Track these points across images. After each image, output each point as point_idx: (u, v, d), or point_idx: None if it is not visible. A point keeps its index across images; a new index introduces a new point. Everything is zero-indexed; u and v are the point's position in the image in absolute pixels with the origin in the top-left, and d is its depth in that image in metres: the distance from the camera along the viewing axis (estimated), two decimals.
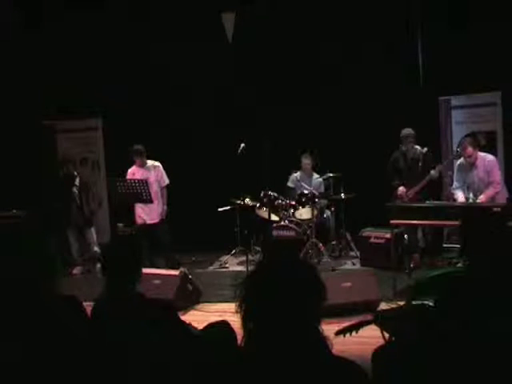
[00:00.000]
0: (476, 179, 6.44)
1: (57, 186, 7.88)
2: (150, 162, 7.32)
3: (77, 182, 7.76)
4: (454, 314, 2.26)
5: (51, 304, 2.51)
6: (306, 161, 7.84)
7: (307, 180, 7.87)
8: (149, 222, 7.21)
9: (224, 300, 5.80)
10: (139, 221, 7.29)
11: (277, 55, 8.25)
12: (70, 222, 7.73)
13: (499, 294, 2.26)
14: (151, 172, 7.27)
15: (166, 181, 7.36)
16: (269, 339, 1.66)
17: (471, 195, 6.49)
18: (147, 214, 7.21)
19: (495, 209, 5.40)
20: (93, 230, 7.90)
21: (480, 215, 2.64)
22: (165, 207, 7.32)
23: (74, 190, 7.72)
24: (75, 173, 7.83)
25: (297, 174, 7.94)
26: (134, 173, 7.26)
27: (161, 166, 7.36)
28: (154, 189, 7.04)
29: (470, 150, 6.39)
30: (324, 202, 7.78)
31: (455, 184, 6.64)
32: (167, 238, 7.27)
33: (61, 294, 2.66)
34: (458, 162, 6.62)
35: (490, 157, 6.53)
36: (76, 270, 7.71)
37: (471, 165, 6.44)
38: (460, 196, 6.49)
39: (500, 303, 2.23)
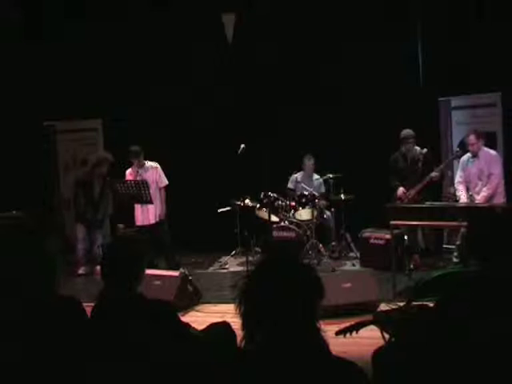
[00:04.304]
0: (475, 170, 6.48)
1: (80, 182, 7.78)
2: (148, 163, 7.31)
3: (100, 183, 7.66)
4: (454, 315, 2.26)
5: (51, 304, 2.51)
6: (310, 162, 7.83)
7: (307, 181, 7.87)
8: (145, 223, 7.19)
9: (224, 301, 5.79)
10: (137, 222, 7.29)
11: (277, 55, 8.25)
12: (84, 220, 7.69)
13: (501, 295, 2.26)
14: (149, 173, 7.26)
15: (165, 182, 7.34)
16: (268, 340, 1.66)
17: (462, 191, 6.55)
18: (143, 215, 7.18)
19: (496, 209, 5.39)
20: (101, 232, 7.82)
21: (487, 216, 2.63)
22: (163, 208, 7.31)
23: (97, 191, 7.66)
24: (103, 173, 7.63)
25: (297, 175, 7.94)
26: (131, 173, 7.25)
27: (159, 166, 7.34)
28: (152, 190, 7.03)
29: (472, 137, 6.45)
30: (324, 202, 7.78)
31: (457, 178, 6.68)
32: (166, 239, 7.25)
33: (61, 294, 2.66)
34: (464, 157, 6.66)
35: (493, 152, 6.61)
36: (81, 270, 7.58)
37: (473, 156, 6.48)
38: (462, 194, 6.51)
39: (502, 304, 2.23)
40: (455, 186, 6.73)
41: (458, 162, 6.89)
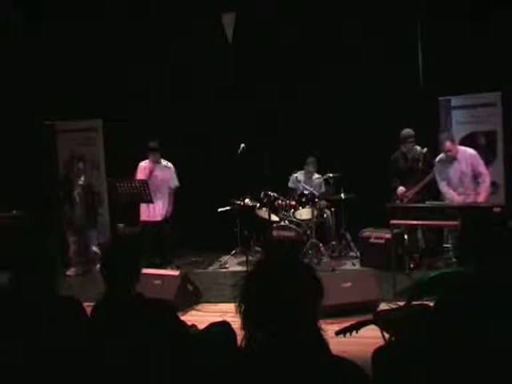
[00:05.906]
0: (458, 173, 6.48)
1: (56, 186, 7.81)
2: (163, 162, 7.41)
3: (81, 180, 7.59)
4: (454, 315, 2.26)
5: (51, 304, 2.51)
6: (312, 166, 7.81)
7: (308, 180, 7.88)
8: (151, 219, 7.25)
9: (224, 300, 5.79)
10: (143, 217, 7.34)
11: (277, 55, 8.25)
12: (70, 223, 7.65)
13: (500, 295, 2.26)
14: (161, 171, 7.35)
15: (176, 183, 7.47)
16: (269, 339, 1.66)
17: (451, 191, 6.54)
18: (149, 211, 7.23)
19: (495, 209, 5.40)
20: (95, 232, 7.76)
21: (480, 216, 2.63)
22: (169, 208, 7.39)
23: (78, 190, 7.59)
24: (80, 170, 7.60)
25: (297, 174, 7.94)
26: (145, 167, 7.35)
27: (173, 167, 7.47)
28: (161, 188, 7.10)
29: (448, 144, 6.45)
30: (324, 202, 7.77)
31: (441, 183, 6.68)
32: (168, 239, 7.31)
33: (61, 294, 2.66)
34: (438, 157, 6.66)
35: (471, 150, 6.60)
36: (70, 272, 7.50)
37: (452, 159, 6.48)
38: (454, 195, 6.51)
39: (501, 304, 2.23)
40: (441, 189, 6.68)
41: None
